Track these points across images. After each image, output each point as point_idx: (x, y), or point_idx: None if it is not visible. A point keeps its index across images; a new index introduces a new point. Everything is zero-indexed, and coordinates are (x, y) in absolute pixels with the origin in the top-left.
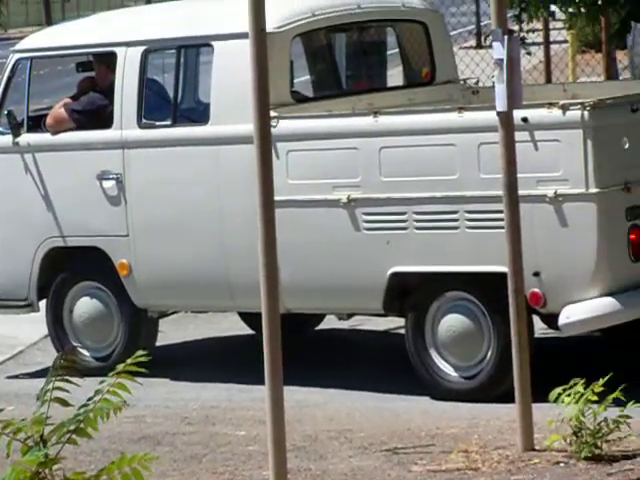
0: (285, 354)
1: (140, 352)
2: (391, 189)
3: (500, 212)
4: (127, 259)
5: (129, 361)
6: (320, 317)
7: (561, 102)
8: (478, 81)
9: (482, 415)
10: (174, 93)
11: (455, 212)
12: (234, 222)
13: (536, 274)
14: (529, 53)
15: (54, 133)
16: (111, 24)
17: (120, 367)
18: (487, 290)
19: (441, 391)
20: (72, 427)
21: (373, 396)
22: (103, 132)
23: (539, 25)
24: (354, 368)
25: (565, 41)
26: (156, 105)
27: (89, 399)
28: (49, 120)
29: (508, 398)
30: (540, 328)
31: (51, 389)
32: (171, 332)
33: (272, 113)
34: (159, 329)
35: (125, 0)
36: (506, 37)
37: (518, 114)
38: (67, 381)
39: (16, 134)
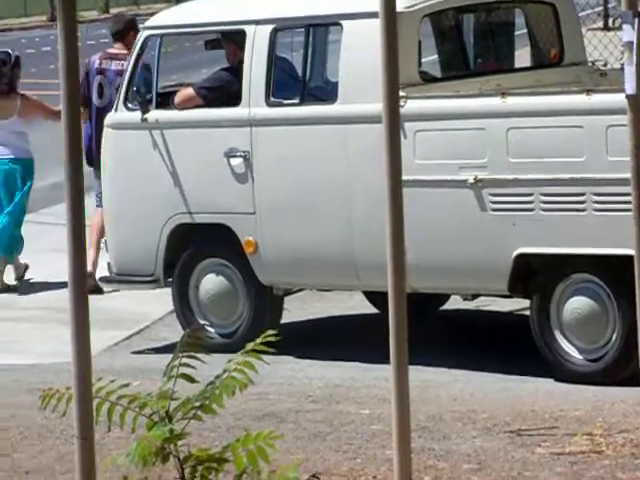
0: (410, 333)
1: (270, 331)
2: (518, 170)
3: (627, 195)
4: (253, 237)
5: (258, 340)
6: (445, 297)
7: None
8: (606, 63)
9: (607, 398)
10: (302, 72)
11: (582, 194)
12: (361, 201)
13: None
14: None
15: (182, 109)
16: (240, 2)
17: (249, 346)
18: (613, 273)
19: (565, 373)
20: (198, 403)
21: (497, 377)
22: (231, 110)
23: None
24: (478, 349)
25: None
26: (284, 83)
27: (216, 377)
28: (177, 97)
29: (633, 381)
30: None
31: (178, 365)
32: (296, 310)
33: (400, 93)
34: (284, 307)
35: None
36: (636, 19)
37: None
38: (194, 357)
39: (145, 110)
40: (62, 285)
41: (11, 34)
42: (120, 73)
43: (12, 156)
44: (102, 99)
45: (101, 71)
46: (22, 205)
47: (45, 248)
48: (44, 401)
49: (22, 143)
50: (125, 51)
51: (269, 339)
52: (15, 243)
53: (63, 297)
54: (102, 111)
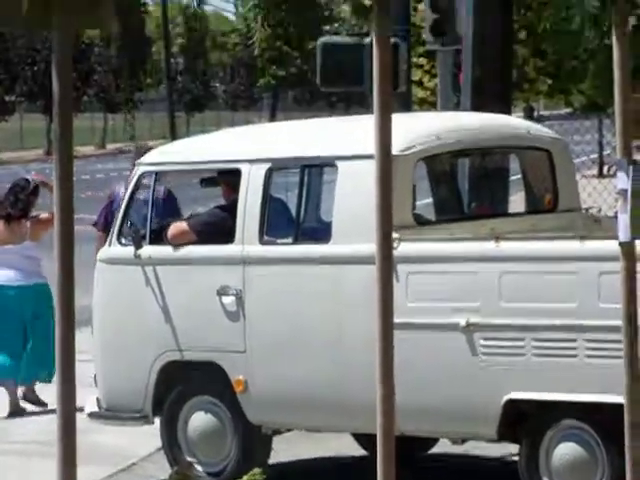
0: (398, 476)
1: (256, 470)
2: (510, 315)
3: (619, 342)
4: (243, 375)
5: (245, 478)
6: (434, 440)
7: None
8: (600, 210)
9: None
10: (296, 211)
11: (574, 340)
12: (352, 342)
13: None
14: None
15: (175, 245)
16: (236, 141)
17: None
18: (603, 420)
19: None
20: None
21: None
22: (224, 247)
23: None
24: None
25: None
26: (278, 222)
27: None
28: (171, 232)
29: None
30: None
31: None
32: (283, 450)
33: (394, 235)
34: (272, 446)
35: (249, 116)
36: (631, 167)
37: None
38: None
39: (138, 246)
40: (47, 419)
41: (8, 167)
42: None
43: (23, 282)
44: None
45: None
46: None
47: None
48: None
49: (35, 267)
50: None
51: (256, 477)
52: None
53: (49, 431)
54: None
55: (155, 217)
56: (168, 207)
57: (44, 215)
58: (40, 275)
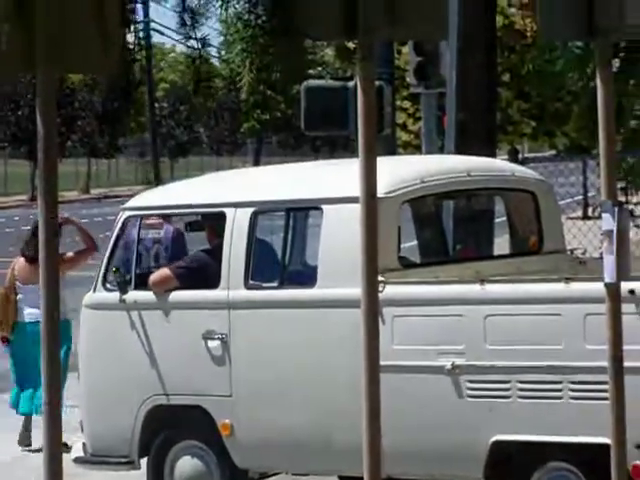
0: None
1: None
2: (496, 357)
3: (605, 383)
4: (230, 419)
5: None
6: None
7: None
8: (585, 252)
9: None
10: (282, 255)
11: (559, 382)
12: (338, 384)
13: (639, 446)
14: (637, 226)
15: (159, 292)
16: (221, 185)
17: None
18: (589, 461)
19: None
20: None
21: None
22: (209, 292)
23: None
24: None
25: None
26: (263, 266)
27: None
28: (154, 278)
29: None
30: None
31: None
32: None
33: (379, 278)
34: None
35: (234, 161)
36: (616, 209)
37: (625, 286)
38: None
39: (123, 291)
40: (34, 463)
41: None
42: (157, 241)
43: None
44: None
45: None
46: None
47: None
48: None
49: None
50: (161, 220)
51: None
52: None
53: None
54: None
55: (165, 257)
56: (177, 247)
57: (69, 254)
58: (61, 313)
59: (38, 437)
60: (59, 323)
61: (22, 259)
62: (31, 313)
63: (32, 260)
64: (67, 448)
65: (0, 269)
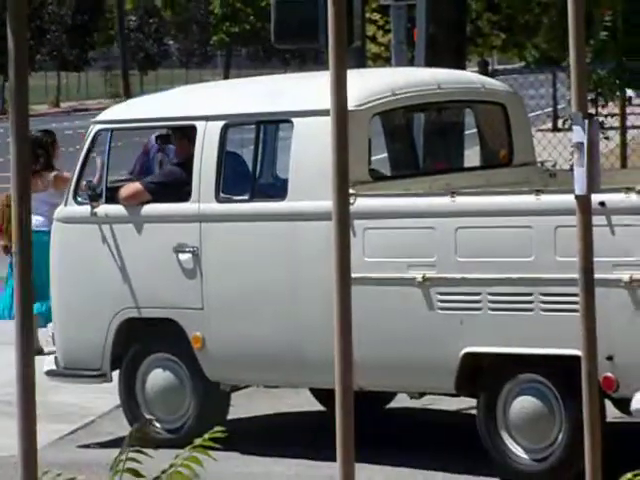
0: (356, 431)
1: (217, 427)
2: (466, 269)
3: (575, 295)
4: (201, 332)
5: (206, 436)
6: (392, 395)
7: (638, 187)
8: (555, 164)
9: None
10: (252, 168)
11: (530, 294)
12: (309, 297)
13: (609, 358)
14: (607, 137)
15: (129, 206)
16: (191, 98)
17: (197, 441)
18: (560, 373)
19: (512, 473)
20: None
21: (444, 476)
22: (180, 205)
23: (617, 109)
24: (425, 447)
25: None
26: (234, 179)
27: (163, 471)
28: (124, 193)
29: None
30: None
31: (124, 459)
32: (242, 406)
33: (350, 190)
34: (231, 402)
35: (203, 74)
36: (586, 121)
37: (596, 198)
38: (141, 452)
39: (94, 205)
40: (6, 378)
41: None
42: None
43: (47, 228)
44: None
45: (161, 149)
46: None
47: None
48: None
49: None
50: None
51: (217, 435)
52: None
53: (7, 391)
54: None
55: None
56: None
57: (67, 174)
58: None
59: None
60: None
61: None
62: (37, 220)
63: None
64: (41, 353)
65: None
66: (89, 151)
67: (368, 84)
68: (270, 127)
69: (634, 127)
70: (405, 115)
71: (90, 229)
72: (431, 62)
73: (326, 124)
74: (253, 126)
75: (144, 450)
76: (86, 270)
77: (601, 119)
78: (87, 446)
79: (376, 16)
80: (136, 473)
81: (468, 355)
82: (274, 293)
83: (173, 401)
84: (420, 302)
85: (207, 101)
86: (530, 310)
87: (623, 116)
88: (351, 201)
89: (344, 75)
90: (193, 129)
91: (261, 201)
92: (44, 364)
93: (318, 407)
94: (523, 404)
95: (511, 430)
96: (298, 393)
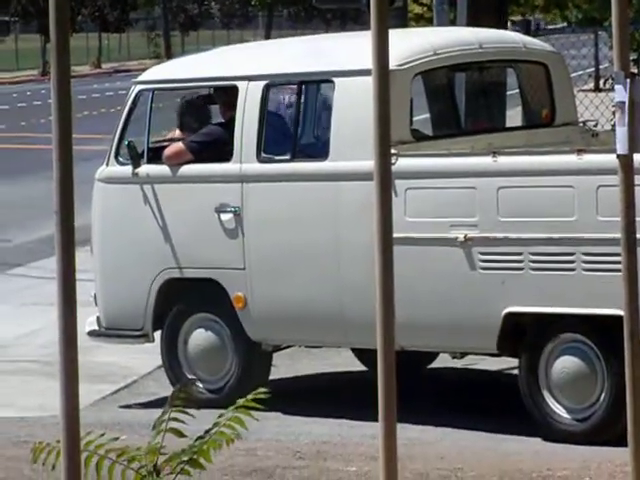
0: (398, 391)
1: (260, 388)
2: (508, 229)
3: (617, 255)
4: (243, 292)
5: (249, 396)
6: (434, 355)
7: None
8: (597, 124)
9: (594, 458)
10: (294, 128)
11: (572, 254)
12: (351, 258)
13: None
14: None
15: (172, 166)
16: (233, 58)
17: (240, 402)
18: (602, 333)
19: (553, 432)
20: (186, 458)
21: (485, 436)
22: (222, 165)
23: None
24: (466, 407)
25: None
26: (276, 139)
27: (206, 431)
28: (167, 152)
29: (620, 442)
30: None
31: (167, 419)
32: (284, 366)
33: (392, 150)
34: (272, 363)
35: (245, 34)
36: (628, 80)
37: (638, 158)
38: (184, 412)
39: (136, 165)
40: (48, 339)
41: (2, 87)
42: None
43: None
44: None
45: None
46: None
47: (33, 302)
48: (35, 454)
49: None
50: None
51: (259, 396)
52: None
53: (49, 352)
54: None
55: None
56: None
57: None
58: None
59: None
60: None
61: None
62: None
63: None
64: None
65: (16, 144)
66: (130, 111)
67: (410, 44)
68: (312, 87)
69: None
70: (447, 75)
71: (132, 189)
72: (472, 22)
73: (368, 84)
74: (295, 86)
75: (186, 410)
76: (128, 230)
77: None
78: (129, 406)
79: None
80: (179, 433)
81: (510, 315)
82: (316, 253)
83: (215, 361)
84: (462, 262)
85: (249, 61)
86: (572, 270)
87: None
88: (393, 161)
89: (385, 35)
90: (235, 89)
91: (302, 161)
92: (86, 324)
93: (360, 367)
94: (565, 364)
95: (553, 390)
96: (340, 353)
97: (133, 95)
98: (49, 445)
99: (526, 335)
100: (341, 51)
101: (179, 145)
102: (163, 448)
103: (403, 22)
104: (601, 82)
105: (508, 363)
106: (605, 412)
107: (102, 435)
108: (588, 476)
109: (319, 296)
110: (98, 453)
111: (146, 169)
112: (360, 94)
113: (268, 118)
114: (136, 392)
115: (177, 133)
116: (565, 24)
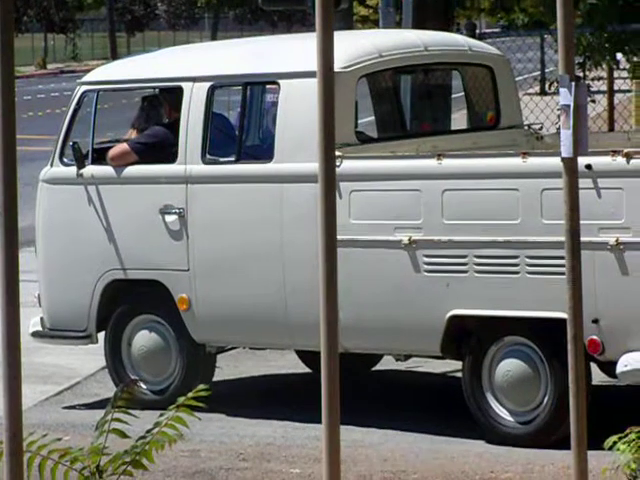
0: (342, 393)
1: (201, 386)
2: (453, 232)
3: (561, 258)
4: (187, 294)
5: (190, 395)
6: (378, 357)
7: (625, 150)
8: (542, 127)
9: (537, 461)
10: (239, 129)
11: (516, 257)
12: (295, 260)
13: (595, 321)
14: (593, 101)
15: (116, 166)
16: (178, 59)
17: (180, 400)
18: (545, 336)
19: (497, 435)
20: (128, 459)
21: (428, 438)
22: (167, 166)
23: (604, 74)
24: (410, 410)
25: (629, 90)
26: (221, 141)
27: (147, 431)
28: (112, 153)
29: (564, 444)
30: (598, 376)
31: (110, 420)
32: (228, 368)
33: (336, 152)
34: (216, 364)
35: (191, 36)
36: (573, 83)
37: (582, 161)
38: (126, 413)
39: (80, 166)
40: None
41: None
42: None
43: None
44: None
45: None
46: None
47: None
48: None
49: None
50: None
51: (200, 394)
52: None
53: None
54: None
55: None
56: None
57: None
58: None
59: None
60: None
61: None
62: None
63: None
64: None
65: None
66: (75, 112)
67: (355, 46)
68: (257, 89)
69: (621, 91)
70: (392, 77)
71: (76, 190)
72: (419, 25)
73: (312, 86)
74: (240, 87)
75: (129, 411)
76: (72, 231)
77: (588, 82)
78: (72, 407)
79: None
80: (121, 433)
81: (454, 317)
82: (260, 255)
83: (159, 363)
84: (406, 264)
85: (194, 62)
86: (516, 273)
87: (611, 80)
88: (337, 163)
89: (331, 37)
90: (180, 90)
91: (247, 163)
92: (30, 325)
93: (304, 369)
94: (508, 367)
95: (496, 393)
96: (284, 355)
97: (78, 96)
98: None
99: (470, 338)
100: (286, 53)
101: (124, 146)
102: (106, 449)
103: (349, 24)
104: (547, 85)
105: (452, 366)
106: (548, 415)
107: (45, 436)
108: (531, 479)
109: (263, 298)
110: (41, 454)
111: (91, 170)
112: (305, 96)
113: (213, 119)
114: (80, 393)
115: (133, 133)
116: (505, 26)
